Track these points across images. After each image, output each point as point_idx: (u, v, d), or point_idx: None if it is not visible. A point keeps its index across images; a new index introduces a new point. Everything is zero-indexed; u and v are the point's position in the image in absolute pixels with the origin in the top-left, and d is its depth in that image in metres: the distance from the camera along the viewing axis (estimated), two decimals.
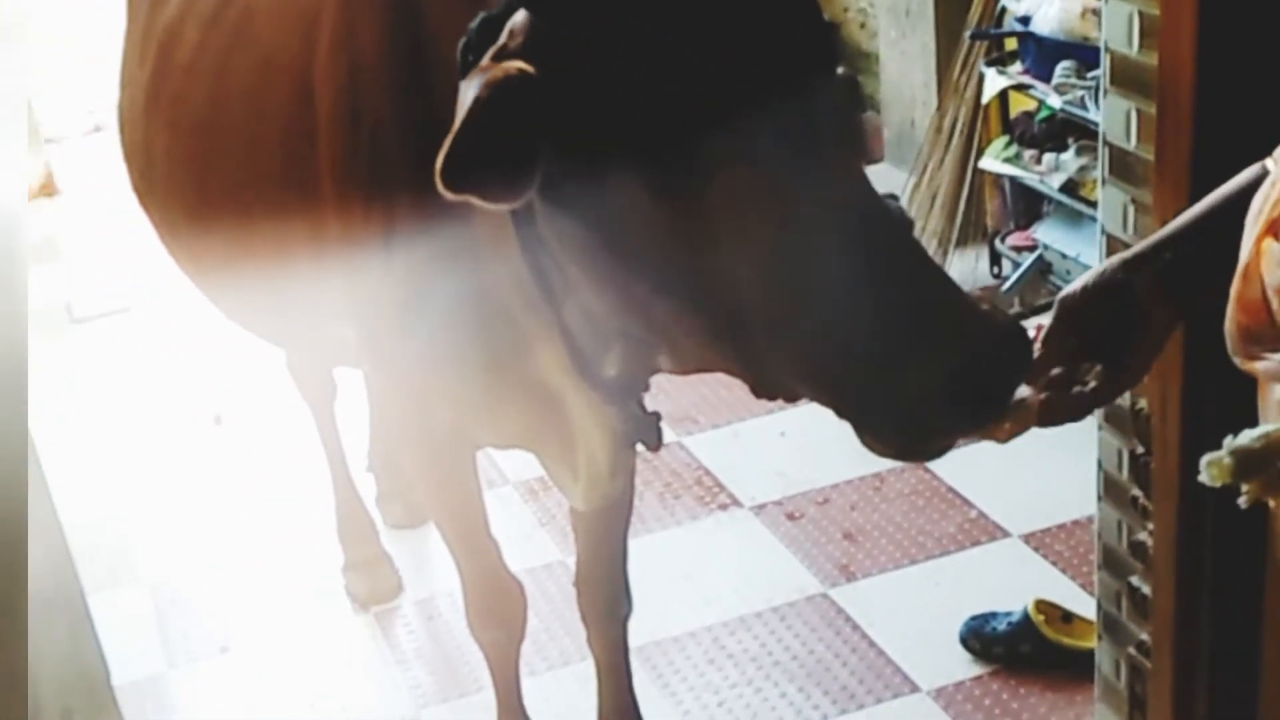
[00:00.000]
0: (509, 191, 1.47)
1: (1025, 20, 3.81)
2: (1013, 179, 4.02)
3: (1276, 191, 1.31)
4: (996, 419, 1.45)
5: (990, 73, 3.94)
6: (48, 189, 5.96)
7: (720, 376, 1.63)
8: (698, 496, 3.57)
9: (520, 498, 3.63)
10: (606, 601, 2.55)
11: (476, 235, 1.81)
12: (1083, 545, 3.19)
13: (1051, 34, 3.70)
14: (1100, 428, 2.14)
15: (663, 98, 1.40)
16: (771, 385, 1.54)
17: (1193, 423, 1.90)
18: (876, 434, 1.46)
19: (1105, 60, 1.92)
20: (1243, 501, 1.22)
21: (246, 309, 2.53)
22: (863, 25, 5.12)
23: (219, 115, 2.21)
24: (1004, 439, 1.47)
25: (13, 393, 1.18)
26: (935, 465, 3.57)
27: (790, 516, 3.45)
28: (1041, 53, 3.74)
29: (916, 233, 4.11)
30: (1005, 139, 4.02)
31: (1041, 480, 3.44)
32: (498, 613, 2.44)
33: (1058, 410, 1.47)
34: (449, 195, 1.44)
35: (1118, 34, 1.88)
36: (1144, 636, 2.15)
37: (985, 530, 3.33)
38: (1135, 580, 2.13)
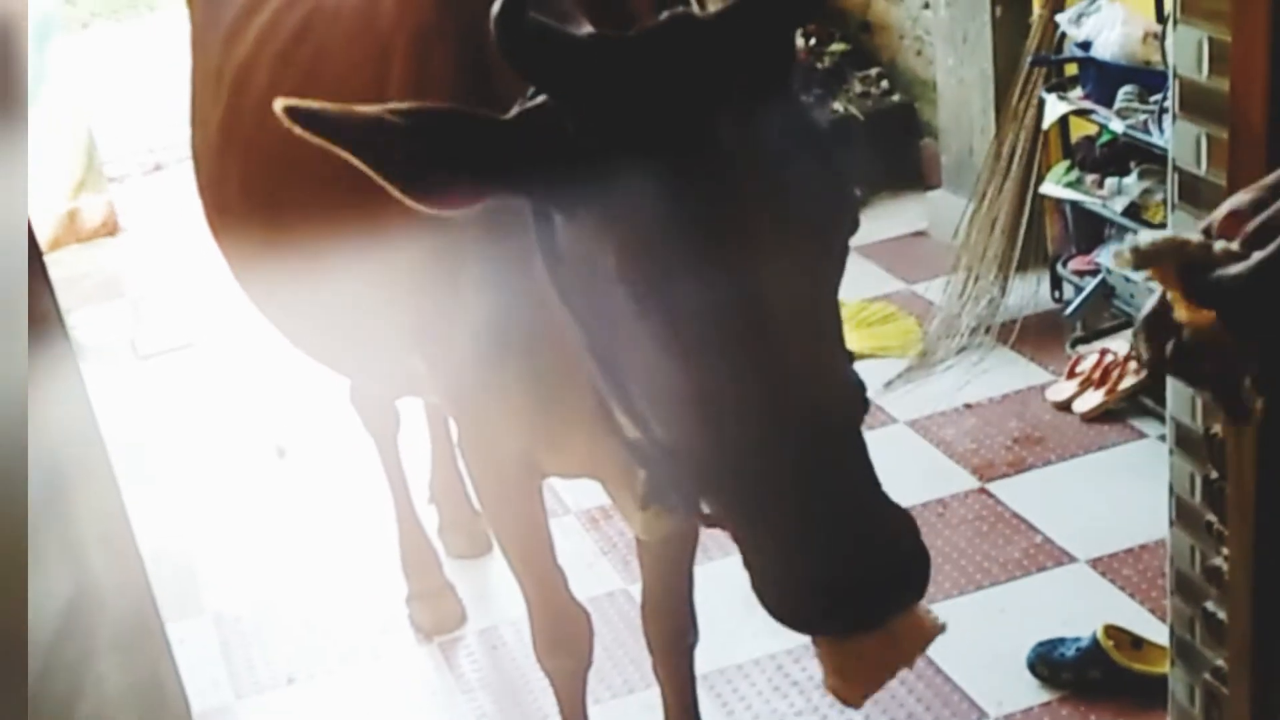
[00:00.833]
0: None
1: (1086, 46, 3.81)
2: (1074, 204, 4.01)
3: None
4: (865, 630, 1.58)
5: (1051, 98, 3.94)
6: (110, 227, 5.99)
7: None
8: None
9: (582, 527, 3.64)
10: (673, 631, 2.55)
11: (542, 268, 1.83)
12: (1150, 570, 3.16)
13: (1113, 59, 3.70)
14: (1171, 452, 2.13)
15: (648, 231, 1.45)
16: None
17: (1268, 446, 1.88)
18: (758, 595, 1.60)
19: (1174, 86, 1.92)
20: None
21: (318, 340, 2.55)
22: (919, 53, 5.13)
23: (292, 152, 2.24)
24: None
25: (10, 413, 1.19)
26: (998, 491, 3.56)
27: None
28: (1103, 77, 3.74)
29: (977, 259, 4.17)
30: (1066, 164, 4.01)
31: (1105, 505, 3.42)
32: (565, 641, 2.45)
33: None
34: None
35: (1187, 60, 1.88)
36: (1219, 662, 2.13)
37: (1051, 555, 3.31)
38: (1210, 605, 2.11)
